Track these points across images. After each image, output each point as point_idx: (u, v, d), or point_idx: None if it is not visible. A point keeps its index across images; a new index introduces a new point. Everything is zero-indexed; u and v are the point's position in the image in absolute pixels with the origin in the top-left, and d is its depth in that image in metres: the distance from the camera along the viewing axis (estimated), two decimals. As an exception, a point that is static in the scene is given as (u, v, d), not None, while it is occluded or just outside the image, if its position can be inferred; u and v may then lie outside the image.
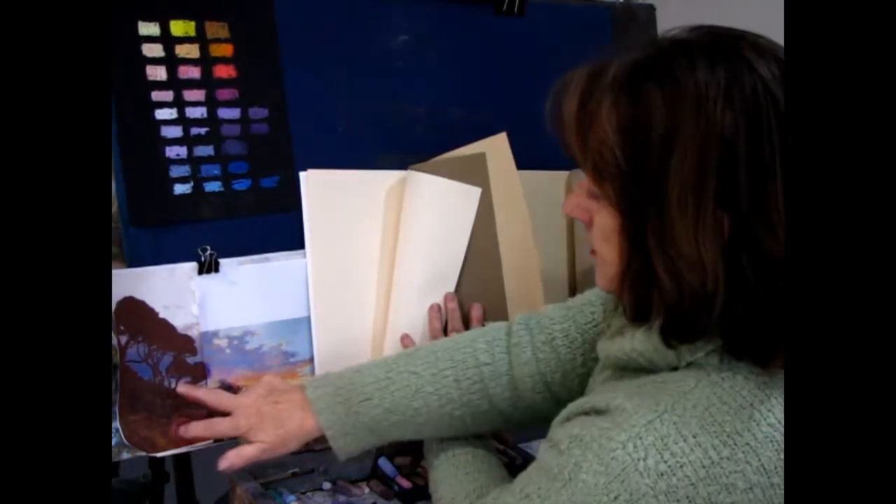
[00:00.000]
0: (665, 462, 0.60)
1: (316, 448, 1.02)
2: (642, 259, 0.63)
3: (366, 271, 1.04)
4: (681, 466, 0.60)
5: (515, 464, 1.00)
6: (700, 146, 0.59)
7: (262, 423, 0.86)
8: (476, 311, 1.05)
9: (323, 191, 1.00)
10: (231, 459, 0.86)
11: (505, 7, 1.15)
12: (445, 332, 1.04)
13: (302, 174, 1.00)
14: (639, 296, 0.65)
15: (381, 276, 1.05)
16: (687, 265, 0.60)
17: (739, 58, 0.61)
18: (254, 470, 0.98)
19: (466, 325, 1.05)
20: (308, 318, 1.01)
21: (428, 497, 0.98)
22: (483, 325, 1.02)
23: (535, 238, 1.07)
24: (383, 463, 1.04)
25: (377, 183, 1.04)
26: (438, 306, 1.04)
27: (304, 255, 1.00)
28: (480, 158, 1.02)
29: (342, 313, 1.02)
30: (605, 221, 0.66)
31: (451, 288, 1.06)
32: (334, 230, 1.01)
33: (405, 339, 1.03)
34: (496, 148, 1.05)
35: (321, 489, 1.01)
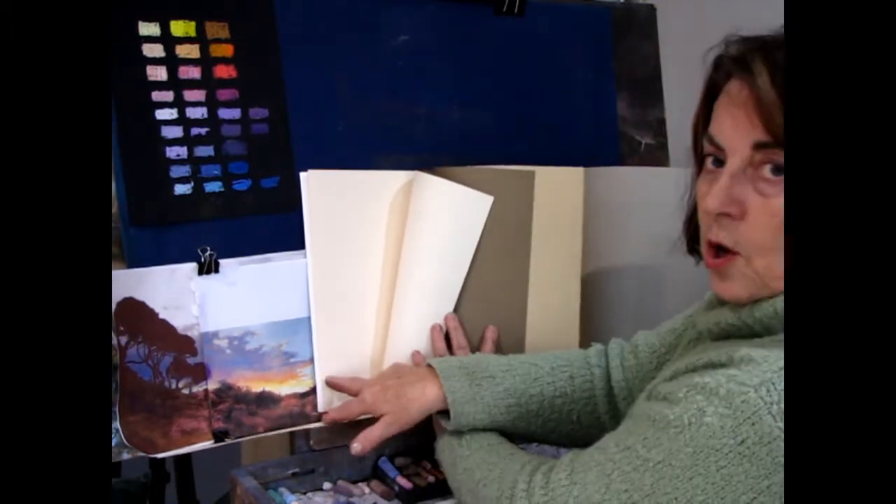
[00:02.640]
0: None
1: (316, 448, 1.02)
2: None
3: (366, 272, 1.04)
4: None
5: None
6: None
7: (385, 396, 0.90)
8: (491, 333, 1.03)
9: (323, 191, 1.00)
10: (361, 442, 0.89)
11: (505, 7, 1.15)
12: (450, 349, 1.03)
13: (302, 174, 1.00)
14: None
15: (384, 279, 1.05)
16: None
17: None
18: (254, 470, 0.98)
19: (471, 342, 1.03)
20: (308, 319, 1.01)
21: (428, 497, 0.98)
22: (497, 347, 1.02)
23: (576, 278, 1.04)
24: (383, 463, 1.04)
25: (378, 183, 1.04)
26: (440, 326, 1.03)
27: (305, 256, 1.00)
28: (528, 176, 0.98)
29: (342, 314, 1.02)
30: (778, 205, 0.64)
31: (454, 295, 1.04)
32: (335, 230, 1.01)
33: (416, 356, 1.02)
34: (567, 178, 1.01)
35: (321, 489, 1.01)
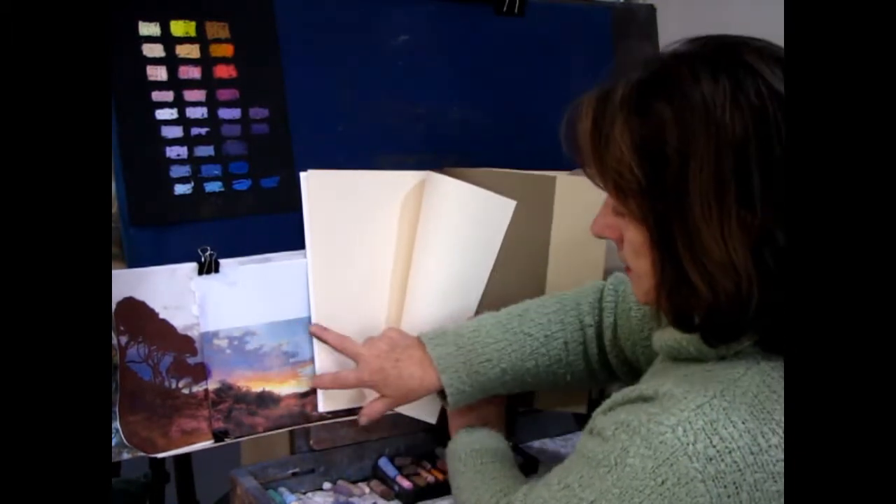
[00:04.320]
0: (714, 447, 0.60)
1: (316, 448, 1.02)
2: (675, 269, 0.64)
3: (367, 272, 1.04)
4: (729, 452, 0.60)
5: (517, 463, 1.00)
6: (715, 154, 0.60)
7: (385, 381, 0.93)
8: None
9: (323, 191, 1.00)
10: (367, 414, 0.96)
11: (505, 7, 1.15)
12: None
13: (302, 174, 1.00)
14: (677, 304, 0.66)
15: (393, 279, 1.04)
16: (719, 269, 0.62)
17: (741, 63, 0.62)
18: (254, 470, 0.98)
19: None
20: (308, 319, 1.00)
21: (428, 497, 0.98)
22: None
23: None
24: (383, 463, 1.04)
25: (378, 183, 1.04)
26: None
27: (305, 256, 1.00)
28: (549, 181, 0.97)
29: (342, 314, 1.02)
30: (633, 237, 0.68)
31: (475, 302, 1.03)
32: (335, 230, 1.01)
33: None
34: (591, 186, 1.01)
35: (321, 489, 1.01)
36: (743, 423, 0.61)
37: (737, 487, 0.60)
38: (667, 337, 0.72)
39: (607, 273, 1.00)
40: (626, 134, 0.64)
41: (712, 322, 0.65)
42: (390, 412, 1.02)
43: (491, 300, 1.02)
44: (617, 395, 0.70)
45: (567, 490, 0.68)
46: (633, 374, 0.92)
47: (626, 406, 0.67)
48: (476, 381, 0.91)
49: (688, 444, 0.61)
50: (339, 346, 0.99)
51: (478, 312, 1.03)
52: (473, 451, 0.91)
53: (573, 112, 0.70)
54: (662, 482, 0.61)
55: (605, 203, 0.72)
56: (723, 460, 0.60)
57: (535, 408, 1.06)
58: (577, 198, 0.98)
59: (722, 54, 0.63)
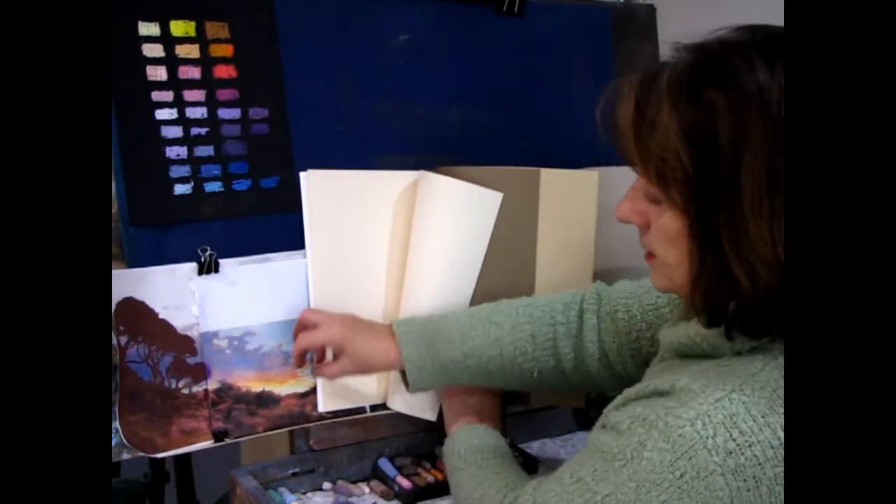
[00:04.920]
0: (734, 440, 0.60)
1: (316, 448, 1.02)
2: (717, 261, 0.63)
3: (366, 271, 1.04)
4: (749, 445, 0.60)
5: (517, 463, 1.00)
6: (770, 147, 0.59)
7: (351, 343, 0.93)
8: None
9: (323, 191, 1.00)
10: (321, 372, 0.97)
11: (505, 7, 1.15)
12: None
13: (302, 174, 1.00)
14: (714, 297, 0.65)
15: (389, 278, 1.05)
16: (764, 265, 0.61)
17: None
18: (254, 470, 0.98)
19: None
20: (308, 319, 1.00)
21: (428, 497, 0.98)
22: None
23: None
24: (383, 463, 1.04)
25: (378, 183, 1.04)
26: None
27: (305, 256, 1.00)
28: (533, 175, 0.98)
29: (342, 313, 1.02)
30: (668, 225, 0.66)
31: (468, 293, 1.04)
32: (335, 230, 1.01)
33: None
34: (581, 181, 1.01)
35: (321, 489, 1.01)
36: (762, 416, 0.61)
37: (756, 481, 0.60)
38: (679, 333, 0.71)
39: (597, 264, 1.00)
40: (673, 120, 0.62)
41: (748, 316, 0.64)
42: (390, 412, 1.02)
43: (483, 295, 1.03)
44: (629, 391, 0.70)
45: (580, 484, 0.67)
46: (615, 378, 0.91)
47: (642, 401, 0.67)
48: (436, 359, 0.91)
49: (707, 438, 0.60)
50: (305, 316, 0.97)
51: (471, 306, 1.03)
52: (473, 447, 0.90)
53: (612, 94, 0.68)
54: (681, 475, 0.61)
55: (633, 187, 0.70)
56: (742, 454, 0.60)
57: (532, 406, 1.06)
58: (562, 191, 0.99)
59: (775, 44, 0.61)
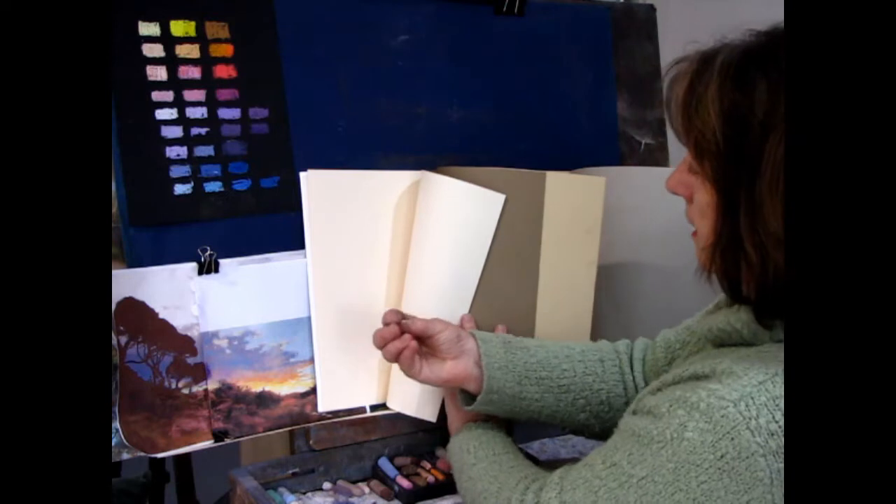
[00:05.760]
0: (776, 422, 0.60)
1: (316, 448, 1.02)
2: (731, 233, 0.66)
3: (367, 271, 1.04)
4: None
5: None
6: None
7: (457, 343, 0.89)
8: (500, 332, 1.02)
9: (323, 191, 1.00)
10: (421, 376, 0.90)
11: (505, 7, 1.15)
12: None
13: (302, 174, 1.00)
14: (728, 268, 0.68)
15: (390, 278, 1.05)
16: (773, 241, 0.63)
17: None
18: (254, 470, 0.98)
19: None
20: (308, 319, 1.01)
21: (428, 497, 0.98)
22: None
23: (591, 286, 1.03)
24: (383, 463, 1.04)
25: (378, 183, 1.04)
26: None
27: (305, 256, 1.00)
28: (539, 178, 0.97)
29: (342, 313, 1.02)
30: (702, 197, 0.70)
31: (469, 294, 1.03)
32: (335, 230, 1.01)
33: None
34: (587, 186, 1.00)
35: (321, 489, 1.01)
36: None
37: None
38: (720, 320, 0.72)
39: (601, 269, 1.01)
40: (717, 98, 0.66)
41: (762, 297, 0.66)
42: (390, 412, 1.02)
43: (484, 297, 1.03)
44: (666, 377, 0.70)
45: (614, 468, 0.67)
46: None
47: (681, 384, 0.67)
48: (511, 362, 0.89)
49: (750, 419, 0.61)
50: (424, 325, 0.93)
51: (472, 308, 1.03)
52: (484, 443, 0.89)
53: (674, 69, 0.72)
54: (721, 456, 0.61)
55: (683, 160, 0.74)
56: (784, 436, 0.60)
57: None
58: (568, 194, 0.99)
59: None
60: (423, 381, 0.91)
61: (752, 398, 0.61)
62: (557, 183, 0.97)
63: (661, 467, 0.64)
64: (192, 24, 0.95)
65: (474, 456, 0.88)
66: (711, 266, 0.70)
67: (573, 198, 1.00)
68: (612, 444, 0.70)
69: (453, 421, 0.96)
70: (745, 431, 0.61)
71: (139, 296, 0.91)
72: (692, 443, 0.62)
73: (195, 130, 0.95)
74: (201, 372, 0.95)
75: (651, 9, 1.30)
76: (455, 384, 0.91)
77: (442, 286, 1.02)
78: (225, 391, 0.96)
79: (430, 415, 1.03)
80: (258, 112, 0.99)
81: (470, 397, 0.91)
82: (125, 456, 0.92)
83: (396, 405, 1.03)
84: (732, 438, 0.61)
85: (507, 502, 0.77)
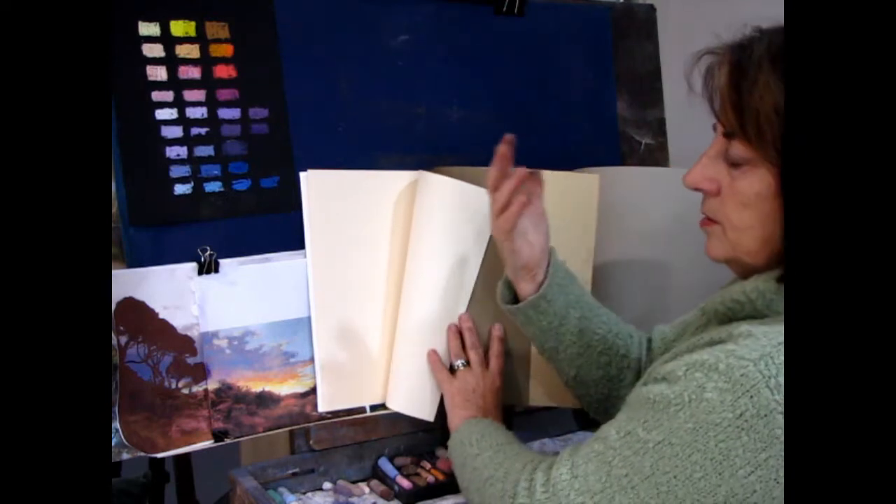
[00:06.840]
0: None
1: (316, 448, 1.02)
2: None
3: (366, 271, 1.04)
4: None
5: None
6: None
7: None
8: (497, 331, 1.03)
9: (323, 191, 1.00)
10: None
11: (505, 7, 1.15)
12: (462, 348, 1.02)
13: (302, 174, 1.00)
14: (779, 260, 0.67)
15: (388, 278, 1.05)
16: None
17: None
18: (254, 470, 0.98)
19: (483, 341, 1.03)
20: (308, 319, 1.01)
21: (428, 497, 0.98)
22: (504, 342, 1.02)
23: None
24: (383, 463, 1.04)
25: (378, 183, 1.04)
26: (455, 326, 1.03)
27: (305, 256, 1.00)
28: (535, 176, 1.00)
29: (342, 313, 1.02)
30: (749, 187, 0.68)
31: (467, 294, 1.04)
32: (335, 230, 1.01)
33: (432, 356, 1.02)
34: (582, 184, 1.02)
35: (321, 489, 1.01)
36: None
37: None
38: (735, 290, 0.71)
39: (601, 268, 1.01)
40: (774, 76, 0.64)
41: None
42: (390, 412, 1.02)
43: (482, 295, 1.03)
44: (679, 347, 0.71)
45: (629, 437, 0.67)
46: None
47: (696, 351, 0.67)
48: (568, 287, 0.91)
49: (770, 377, 0.61)
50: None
51: (469, 306, 1.03)
52: (485, 435, 0.88)
53: (707, 59, 0.71)
54: (741, 414, 0.61)
55: (706, 154, 0.72)
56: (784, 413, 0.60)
57: (529, 405, 1.06)
58: (563, 192, 1.00)
59: None
60: (508, 235, 0.89)
61: (772, 357, 0.62)
62: (552, 181, 0.97)
63: (679, 429, 0.63)
64: (192, 24, 0.95)
65: (477, 447, 0.86)
66: (758, 258, 0.69)
67: (568, 196, 1.00)
68: (625, 415, 0.70)
69: (453, 418, 0.96)
70: (764, 389, 0.60)
71: (139, 296, 0.91)
72: (711, 402, 0.62)
73: (195, 130, 0.95)
74: (201, 372, 0.95)
75: (651, 9, 1.30)
76: (525, 261, 0.90)
77: (440, 285, 1.02)
78: (225, 391, 0.96)
79: (428, 414, 1.03)
80: (258, 112, 0.99)
81: (512, 296, 0.93)
82: (125, 456, 0.92)
83: (395, 405, 1.03)
84: (752, 396, 0.61)
85: (516, 484, 0.75)
